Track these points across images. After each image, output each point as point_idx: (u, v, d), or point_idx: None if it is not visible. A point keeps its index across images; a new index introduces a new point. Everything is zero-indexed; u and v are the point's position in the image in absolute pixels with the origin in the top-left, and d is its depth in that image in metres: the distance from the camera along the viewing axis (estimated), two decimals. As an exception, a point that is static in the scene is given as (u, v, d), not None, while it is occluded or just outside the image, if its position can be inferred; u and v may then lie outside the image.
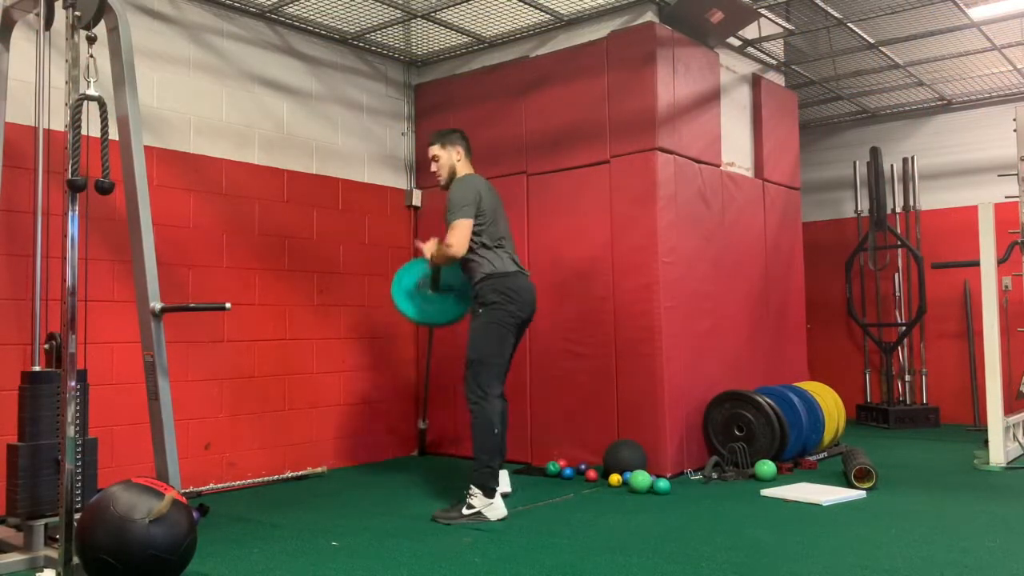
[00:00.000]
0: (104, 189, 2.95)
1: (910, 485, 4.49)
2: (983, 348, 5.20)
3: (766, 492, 4.30)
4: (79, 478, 2.92)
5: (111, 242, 4.23)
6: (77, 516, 2.82)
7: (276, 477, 4.89)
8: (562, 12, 5.15)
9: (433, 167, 4.23)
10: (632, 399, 4.85)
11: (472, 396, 3.90)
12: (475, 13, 5.16)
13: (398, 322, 5.76)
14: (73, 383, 2.89)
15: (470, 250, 3.97)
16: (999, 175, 6.34)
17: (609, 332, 4.94)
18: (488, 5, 5.05)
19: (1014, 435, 5.36)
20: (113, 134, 3.24)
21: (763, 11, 5.22)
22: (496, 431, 3.85)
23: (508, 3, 5.01)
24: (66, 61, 3.08)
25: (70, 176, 2.88)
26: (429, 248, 4.11)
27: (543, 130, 5.32)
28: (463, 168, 4.18)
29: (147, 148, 3.89)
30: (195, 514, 3.18)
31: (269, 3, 4.91)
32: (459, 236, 3.91)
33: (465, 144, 4.22)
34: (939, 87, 6.87)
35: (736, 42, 5.69)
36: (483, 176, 5.52)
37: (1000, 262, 5.23)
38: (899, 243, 7.30)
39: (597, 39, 5.13)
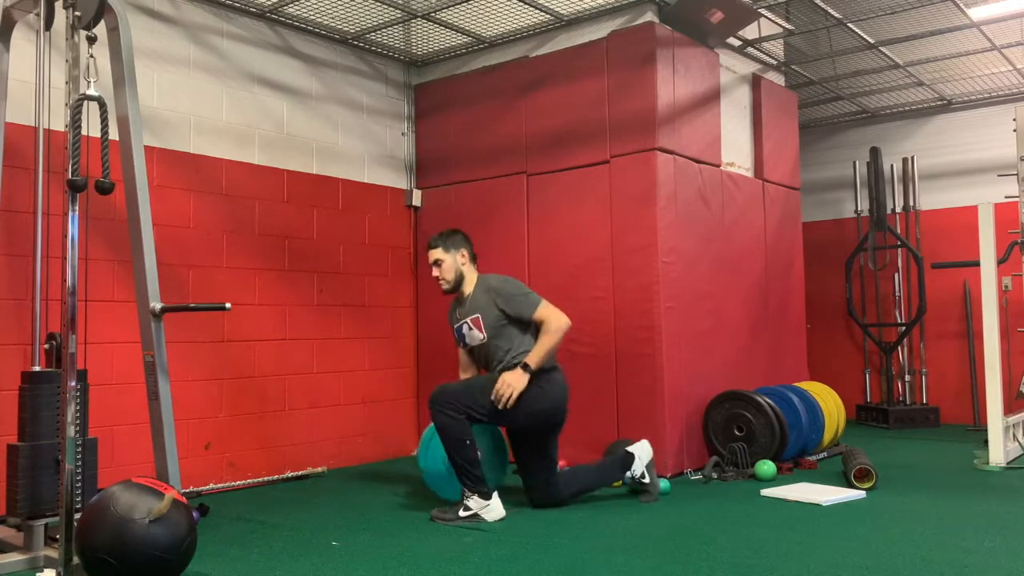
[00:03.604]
0: (104, 189, 2.95)
1: (910, 485, 4.49)
2: (983, 348, 5.20)
3: (766, 492, 4.30)
4: (79, 478, 2.92)
5: (111, 242, 4.23)
6: (77, 516, 2.82)
7: (276, 477, 4.89)
8: (562, 12, 5.15)
9: (435, 271, 4.06)
10: (632, 399, 4.85)
11: (439, 411, 3.78)
12: (475, 13, 5.16)
13: (398, 322, 5.78)
14: (73, 383, 2.90)
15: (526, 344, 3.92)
16: (999, 175, 6.33)
17: (609, 332, 4.94)
18: (488, 5, 5.05)
19: (1014, 435, 5.36)
20: (113, 134, 3.24)
21: (763, 11, 5.22)
22: (468, 441, 3.77)
23: (508, 3, 5.01)
24: (66, 61, 3.08)
25: (70, 176, 2.89)
26: (518, 379, 3.81)
27: (543, 130, 5.32)
28: (471, 271, 4.08)
29: (147, 148, 3.89)
30: (195, 514, 3.17)
31: (269, 3, 4.91)
32: (558, 311, 3.91)
33: (470, 246, 4.10)
34: (939, 87, 6.87)
35: (736, 42, 5.69)
36: (481, 178, 5.59)
37: (1000, 262, 5.22)
38: (899, 243, 7.30)
39: (597, 39, 5.13)
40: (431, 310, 5.76)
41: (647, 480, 4.19)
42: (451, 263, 4.05)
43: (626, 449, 4.22)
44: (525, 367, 3.82)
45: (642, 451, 4.21)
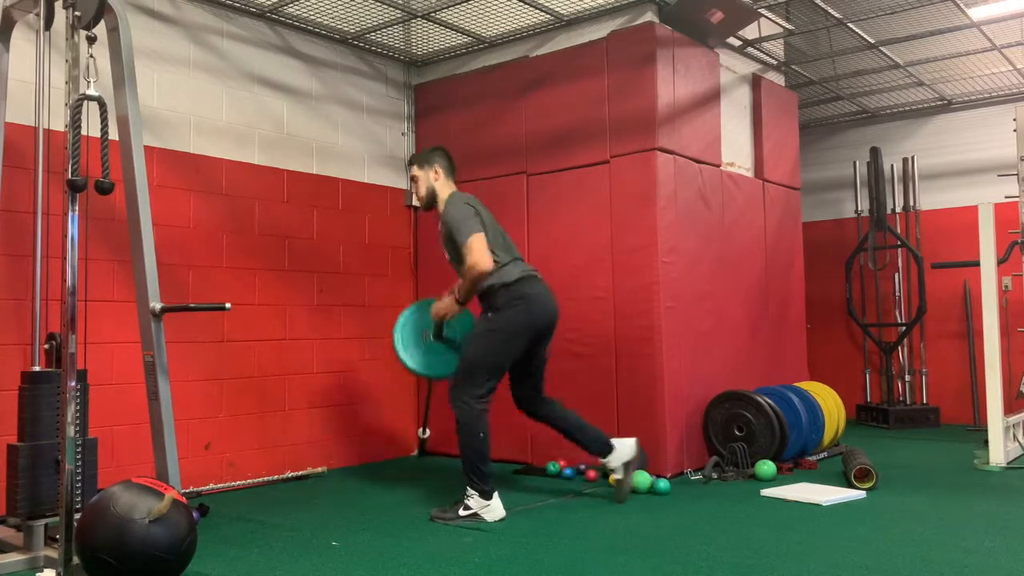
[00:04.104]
0: (104, 189, 2.95)
1: (910, 485, 4.50)
2: (983, 348, 5.20)
3: (766, 492, 4.30)
4: (79, 478, 2.92)
5: (111, 242, 4.23)
6: (77, 516, 2.82)
7: (276, 477, 4.89)
8: (562, 12, 5.15)
9: (411, 187, 4.15)
10: (632, 399, 4.85)
11: (456, 401, 3.85)
12: (475, 13, 5.16)
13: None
14: (73, 383, 2.90)
15: None
16: (999, 175, 6.34)
17: (609, 332, 4.94)
18: (488, 5, 5.05)
19: (1014, 435, 5.36)
20: (113, 134, 3.24)
21: (763, 11, 5.22)
22: (482, 435, 3.80)
23: (508, 3, 5.01)
24: (66, 61, 3.08)
25: (70, 176, 2.89)
26: (447, 305, 4.00)
27: (543, 130, 5.32)
28: (444, 187, 4.05)
29: (147, 148, 3.89)
30: (195, 514, 3.18)
31: (269, 3, 4.91)
32: (479, 251, 3.79)
33: (446, 162, 4.08)
34: (939, 87, 6.87)
35: (736, 42, 5.68)
36: (481, 178, 5.59)
37: (1000, 262, 5.23)
38: (899, 243, 7.30)
39: (597, 39, 5.13)
40: (431, 310, 5.76)
41: (619, 476, 4.14)
42: (423, 179, 4.07)
43: (611, 439, 4.17)
44: (451, 292, 3.97)
45: (622, 447, 4.13)
